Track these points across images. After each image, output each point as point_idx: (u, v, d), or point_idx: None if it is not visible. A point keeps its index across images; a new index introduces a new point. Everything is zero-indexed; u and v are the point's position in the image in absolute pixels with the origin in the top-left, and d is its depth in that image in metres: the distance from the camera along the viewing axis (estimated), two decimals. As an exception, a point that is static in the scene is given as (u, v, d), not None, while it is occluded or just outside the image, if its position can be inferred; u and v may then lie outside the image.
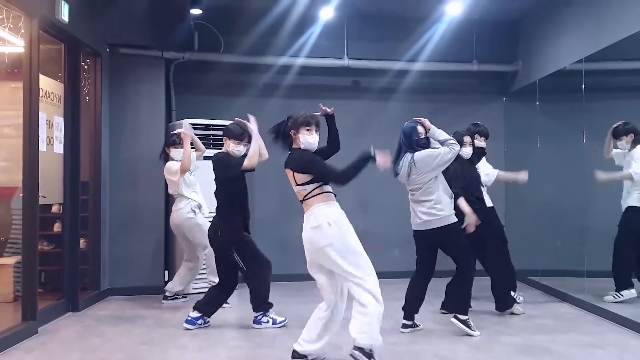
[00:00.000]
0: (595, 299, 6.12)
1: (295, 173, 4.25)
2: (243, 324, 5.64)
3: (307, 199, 4.23)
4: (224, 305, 5.79)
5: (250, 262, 5.43)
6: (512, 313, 5.94)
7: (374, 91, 8.17)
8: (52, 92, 5.85)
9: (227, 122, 7.20)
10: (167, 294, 6.67)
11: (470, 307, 5.43)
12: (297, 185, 4.26)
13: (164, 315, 6.00)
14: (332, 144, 4.56)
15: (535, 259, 7.43)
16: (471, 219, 5.47)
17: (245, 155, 5.28)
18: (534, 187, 7.34)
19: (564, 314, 6.02)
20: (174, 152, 6.49)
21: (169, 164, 6.50)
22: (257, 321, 5.47)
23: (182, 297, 6.72)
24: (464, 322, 5.19)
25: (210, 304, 5.49)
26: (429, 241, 5.27)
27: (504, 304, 5.97)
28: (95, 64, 6.85)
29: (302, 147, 4.31)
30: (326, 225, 4.12)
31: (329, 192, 4.28)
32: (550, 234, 7.14)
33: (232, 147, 5.42)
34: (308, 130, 4.29)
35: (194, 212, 6.45)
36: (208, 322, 5.50)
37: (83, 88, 6.67)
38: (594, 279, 6.39)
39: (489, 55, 8.22)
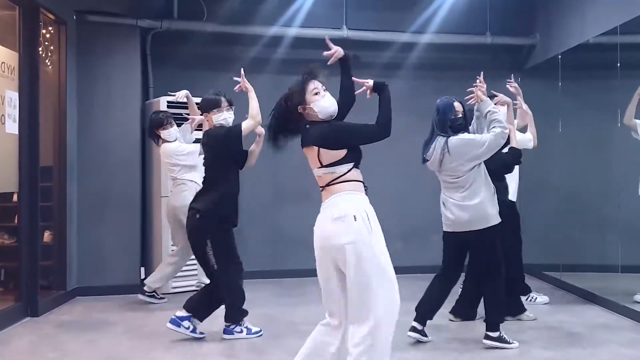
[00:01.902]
0: (630, 299, 5.49)
1: (321, 151, 3.25)
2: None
3: (332, 184, 3.27)
4: None
5: (224, 258, 4.66)
6: (519, 319, 5.21)
7: (376, 67, 7.46)
8: (2, 62, 5.09)
9: None
10: (145, 288, 5.98)
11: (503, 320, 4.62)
12: (323, 166, 3.26)
13: (136, 321, 5.28)
14: (345, 95, 3.47)
15: (555, 253, 6.81)
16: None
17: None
18: (555, 175, 6.83)
19: (597, 320, 5.30)
20: (164, 133, 5.87)
21: (165, 146, 5.91)
22: (228, 331, 4.69)
23: (160, 298, 5.99)
24: (499, 339, 4.42)
25: (201, 304, 4.71)
26: (462, 242, 4.52)
27: (514, 309, 5.22)
28: (60, 32, 6.17)
29: (320, 117, 3.34)
30: (351, 219, 3.16)
31: (361, 181, 3.33)
32: (574, 225, 6.56)
33: (218, 117, 4.75)
34: (317, 94, 3.35)
35: None
36: (195, 330, 4.66)
37: (45, 60, 6.00)
38: (627, 274, 5.76)
39: (504, 27, 7.58)
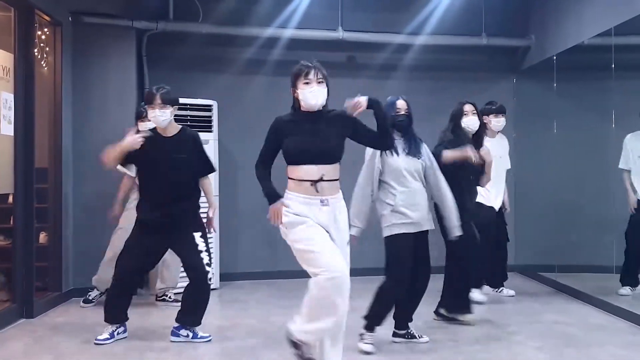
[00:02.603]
0: (624, 301, 5.53)
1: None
2: (225, 334, 4.89)
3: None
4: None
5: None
6: (454, 319, 5.12)
7: (371, 68, 7.45)
8: (-2, 64, 5.05)
9: (207, 102, 6.59)
10: (157, 293, 6.02)
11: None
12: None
13: (131, 322, 5.19)
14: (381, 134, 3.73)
15: (550, 253, 6.81)
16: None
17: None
18: (550, 176, 6.82)
19: (592, 320, 5.31)
20: (141, 125, 5.50)
21: None
22: (175, 333, 4.67)
23: (173, 301, 5.96)
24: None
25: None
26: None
27: (455, 306, 5.13)
28: (55, 34, 6.12)
29: (302, 105, 3.55)
30: None
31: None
32: (569, 226, 6.55)
33: (150, 114, 4.56)
34: (306, 83, 3.50)
35: None
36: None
37: (40, 61, 5.99)
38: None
39: (499, 28, 7.56)
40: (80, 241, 6.30)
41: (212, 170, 4.76)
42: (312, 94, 3.47)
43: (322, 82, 3.50)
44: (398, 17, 7.42)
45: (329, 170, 3.47)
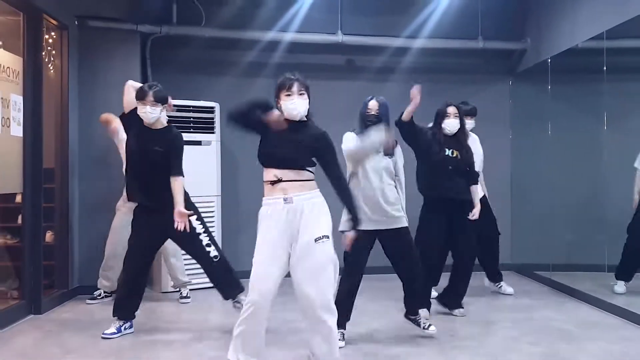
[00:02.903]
0: (618, 298, 5.69)
1: None
2: (227, 328, 4.99)
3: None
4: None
5: None
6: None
7: (370, 70, 7.58)
8: (7, 67, 5.18)
9: (209, 103, 6.73)
10: (180, 291, 6.20)
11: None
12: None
13: (137, 318, 5.35)
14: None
15: (545, 253, 6.93)
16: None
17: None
18: (545, 177, 6.94)
19: (585, 317, 5.45)
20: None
21: None
22: (236, 306, 4.87)
23: (185, 297, 6.16)
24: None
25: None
26: None
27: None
28: (62, 37, 6.23)
29: (285, 114, 3.67)
30: None
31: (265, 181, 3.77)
32: (563, 226, 6.67)
33: (140, 109, 4.74)
34: (288, 95, 3.64)
35: None
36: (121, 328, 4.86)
37: (47, 64, 6.10)
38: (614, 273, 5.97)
39: (495, 32, 7.68)
40: (86, 240, 6.42)
41: (178, 173, 4.69)
42: (293, 105, 3.62)
43: (303, 94, 3.65)
44: (396, 20, 7.54)
45: (290, 174, 3.59)
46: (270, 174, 3.62)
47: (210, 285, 6.40)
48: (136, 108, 4.76)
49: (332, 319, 3.56)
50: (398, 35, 7.47)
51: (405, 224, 4.65)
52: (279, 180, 3.57)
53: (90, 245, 6.40)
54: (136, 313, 4.96)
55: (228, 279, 4.78)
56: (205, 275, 5.15)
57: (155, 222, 4.75)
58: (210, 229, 5.17)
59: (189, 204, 4.80)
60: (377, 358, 4.27)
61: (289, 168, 3.59)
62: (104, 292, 6.10)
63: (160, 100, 4.72)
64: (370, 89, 7.39)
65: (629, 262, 5.88)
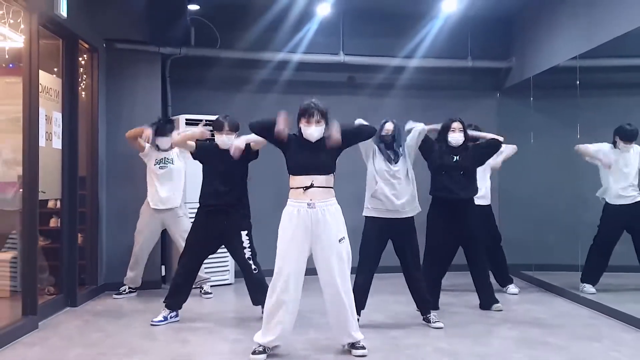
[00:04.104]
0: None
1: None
2: (244, 318, 5.68)
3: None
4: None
5: None
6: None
7: (370, 87, 8.22)
8: (50, 88, 5.84)
9: None
10: (201, 288, 6.76)
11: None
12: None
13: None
14: None
15: (528, 253, 7.51)
16: None
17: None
18: (528, 184, 7.49)
19: (559, 309, 6.10)
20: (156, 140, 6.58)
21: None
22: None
23: (205, 293, 6.76)
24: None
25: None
26: None
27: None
28: (92, 59, 6.85)
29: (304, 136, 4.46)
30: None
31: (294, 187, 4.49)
32: (544, 229, 7.20)
33: (217, 139, 5.47)
34: (307, 122, 4.39)
35: None
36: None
37: (80, 83, 6.66)
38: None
39: (483, 52, 8.28)
40: (112, 242, 7.00)
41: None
42: (310, 132, 4.37)
43: (320, 122, 4.37)
44: (393, 42, 8.09)
45: (321, 179, 4.35)
46: (301, 180, 4.31)
47: (228, 282, 7.14)
48: (197, 142, 5.44)
49: (351, 300, 4.41)
50: (395, 55, 8.06)
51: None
52: (311, 186, 4.27)
53: (116, 246, 6.98)
54: (162, 304, 5.57)
55: (261, 289, 5.35)
56: (223, 273, 5.78)
57: (214, 227, 5.44)
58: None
59: (245, 223, 5.51)
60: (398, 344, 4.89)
61: (320, 173, 4.32)
62: (129, 287, 6.75)
63: (234, 128, 5.45)
64: (369, 104, 8.12)
65: (593, 266, 6.31)
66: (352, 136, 4.52)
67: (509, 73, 8.35)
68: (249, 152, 5.42)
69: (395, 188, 5.23)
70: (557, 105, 7.39)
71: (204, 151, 5.50)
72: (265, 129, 4.42)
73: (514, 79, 8.22)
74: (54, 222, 6.52)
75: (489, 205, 6.77)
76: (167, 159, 6.61)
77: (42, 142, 5.50)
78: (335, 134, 4.34)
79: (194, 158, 5.58)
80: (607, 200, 6.29)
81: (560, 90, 7.27)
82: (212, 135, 5.58)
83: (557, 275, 7.07)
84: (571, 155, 6.59)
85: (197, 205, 5.58)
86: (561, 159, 7.12)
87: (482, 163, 5.91)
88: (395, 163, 5.28)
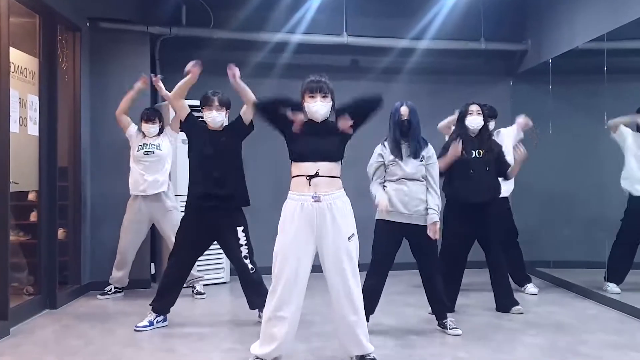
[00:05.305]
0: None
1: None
2: (240, 321, 5.19)
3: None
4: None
5: None
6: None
7: (374, 71, 7.72)
8: (25, 68, 5.32)
9: None
10: (194, 287, 6.32)
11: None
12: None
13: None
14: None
15: (546, 249, 7.09)
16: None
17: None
18: (546, 176, 7.06)
19: (584, 311, 5.61)
20: (145, 127, 6.16)
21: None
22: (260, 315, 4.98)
23: (197, 293, 6.30)
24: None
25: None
26: None
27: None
28: (74, 39, 6.36)
29: (308, 116, 3.86)
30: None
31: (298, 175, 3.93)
32: (563, 224, 6.83)
33: (206, 115, 5.02)
34: (311, 97, 3.84)
35: None
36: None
37: (61, 65, 6.18)
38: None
39: (497, 34, 7.83)
40: (97, 237, 6.55)
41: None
42: (315, 108, 3.80)
43: (326, 96, 3.82)
44: (400, 22, 7.65)
45: (327, 167, 3.77)
46: (305, 168, 3.77)
47: (222, 281, 6.66)
48: (190, 113, 5.00)
49: (362, 305, 3.86)
50: (402, 36, 7.59)
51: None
52: (316, 175, 3.73)
53: (101, 242, 6.53)
54: (149, 306, 5.08)
55: (258, 290, 4.87)
56: (218, 271, 5.30)
57: (206, 222, 4.90)
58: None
59: (242, 218, 4.99)
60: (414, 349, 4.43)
61: (327, 160, 3.77)
62: (115, 287, 6.25)
63: (225, 104, 4.95)
64: (374, 89, 7.54)
65: (617, 264, 5.93)
66: (361, 110, 3.86)
67: (524, 56, 7.89)
68: (241, 126, 4.92)
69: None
70: (579, 92, 6.93)
71: (193, 125, 5.03)
72: (274, 109, 3.87)
73: (529, 62, 7.76)
74: (34, 216, 6.03)
75: (506, 198, 6.26)
76: (153, 144, 6.17)
77: (14, 127, 5.00)
78: (344, 118, 3.79)
79: (182, 129, 5.11)
80: (630, 192, 5.83)
81: (583, 76, 6.81)
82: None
83: (577, 273, 6.64)
84: (596, 147, 6.12)
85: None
86: (583, 151, 6.71)
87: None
88: (415, 158, 4.74)
